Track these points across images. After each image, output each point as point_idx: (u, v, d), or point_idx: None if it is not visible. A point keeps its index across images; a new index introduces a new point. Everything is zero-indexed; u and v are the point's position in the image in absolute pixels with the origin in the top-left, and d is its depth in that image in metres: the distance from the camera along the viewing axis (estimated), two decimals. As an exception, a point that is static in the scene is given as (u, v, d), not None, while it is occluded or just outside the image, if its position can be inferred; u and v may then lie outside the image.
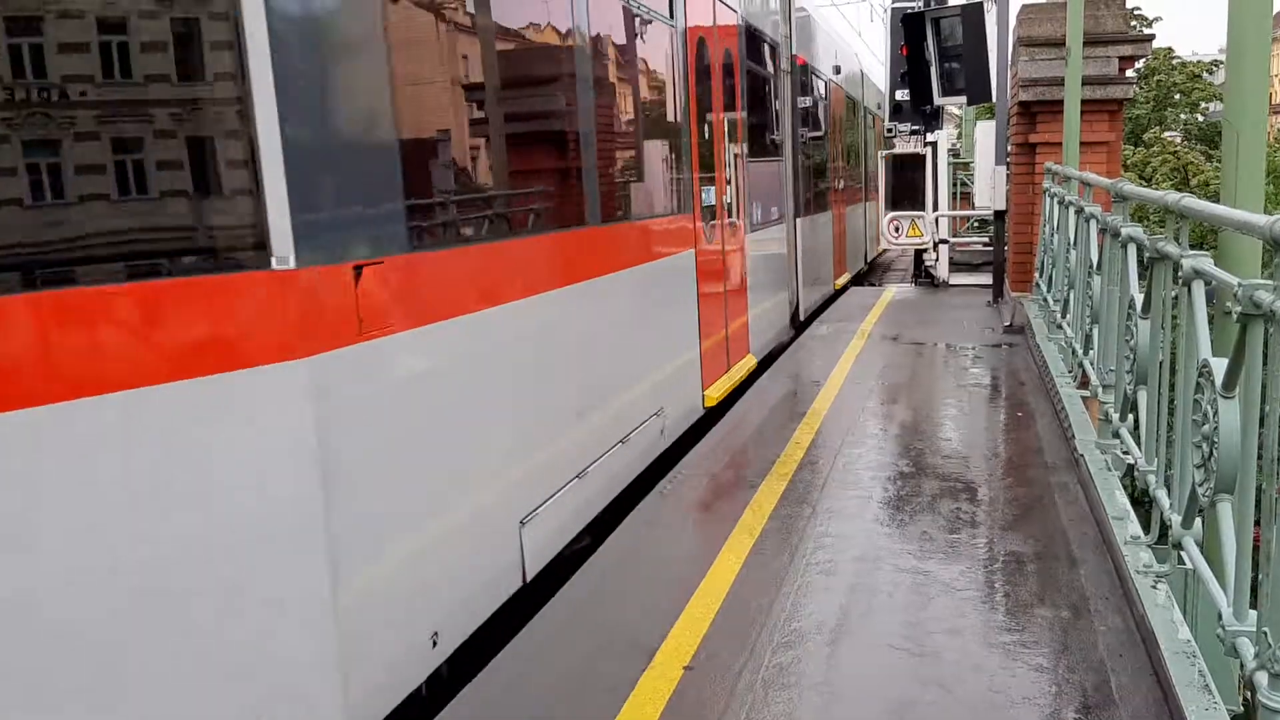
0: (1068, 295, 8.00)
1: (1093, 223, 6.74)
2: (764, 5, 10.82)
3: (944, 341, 10.80)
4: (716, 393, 7.95)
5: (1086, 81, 10.13)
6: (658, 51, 7.04)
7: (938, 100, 13.74)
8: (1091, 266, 6.56)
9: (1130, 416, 5.15)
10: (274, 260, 3.13)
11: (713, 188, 8.27)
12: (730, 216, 8.78)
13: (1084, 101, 10.03)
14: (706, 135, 8.12)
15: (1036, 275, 10.91)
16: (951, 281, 15.46)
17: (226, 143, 3.15)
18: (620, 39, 6.31)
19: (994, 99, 12.75)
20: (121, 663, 2.86)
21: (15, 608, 2.65)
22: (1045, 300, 9.67)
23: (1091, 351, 6.59)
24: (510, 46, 4.95)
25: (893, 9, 15.35)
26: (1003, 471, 6.25)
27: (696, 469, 6.44)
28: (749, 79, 9.72)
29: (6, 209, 2.77)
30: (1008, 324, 11.22)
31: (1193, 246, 4.01)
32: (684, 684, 3.74)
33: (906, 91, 14.33)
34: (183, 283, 3.05)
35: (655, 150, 7.08)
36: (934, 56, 13.27)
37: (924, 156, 14.91)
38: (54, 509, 2.74)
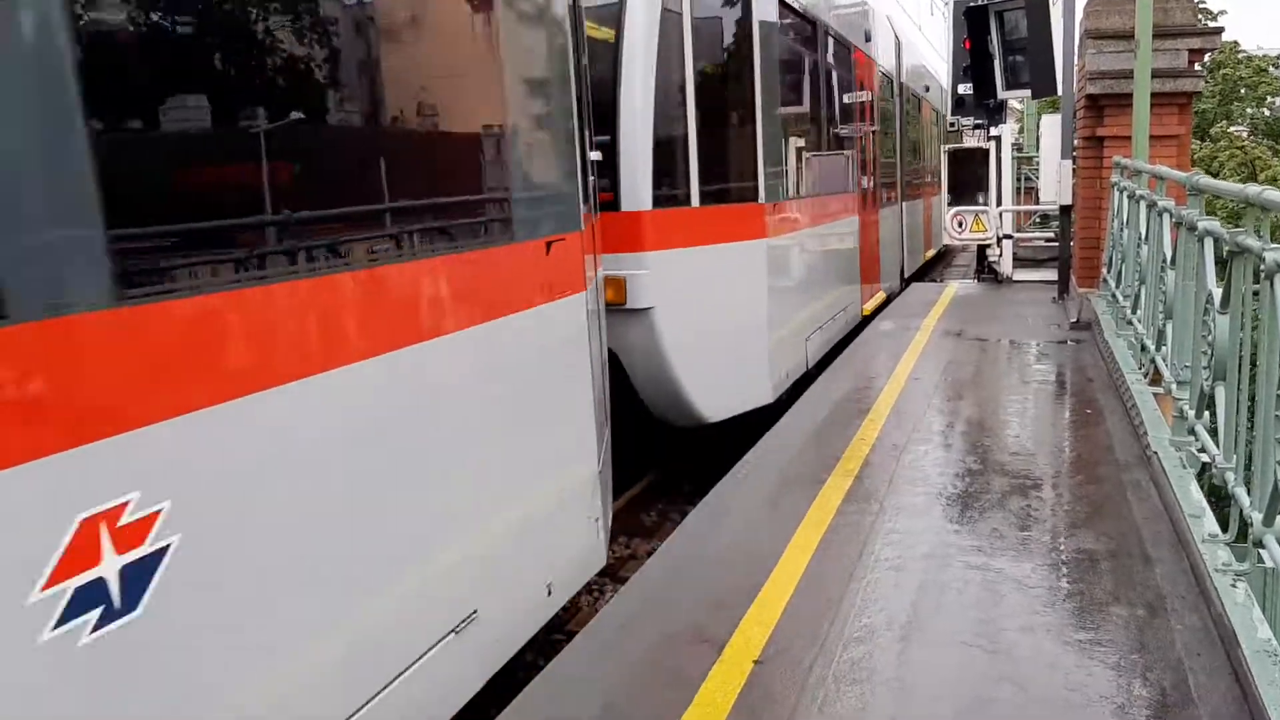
0: (1138, 290, 7.87)
1: (1165, 217, 6.63)
2: (895, 57, 15.97)
3: (1009, 337, 10.67)
4: (869, 308, 13.10)
5: (1155, 74, 9.96)
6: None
7: (1001, 94, 13.59)
8: (1165, 261, 6.45)
9: (1206, 413, 5.06)
10: (760, 200, 8.28)
11: (868, 176, 13.46)
12: (876, 195, 14.03)
13: (1153, 94, 9.86)
14: (871, 147, 13.76)
15: (1104, 270, 10.74)
16: (1015, 277, 15.25)
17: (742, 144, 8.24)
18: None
19: (1059, 92, 12.56)
20: (733, 348, 8.06)
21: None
22: (1114, 296, 9.52)
23: (1164, 347, 6.49)
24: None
25: (955, 2, 15.17)
26: (1073, 468, 6.18)
27: (761, 464, 6.43)
28: (880, 103, 14.52)
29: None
30: (1074, 320, 11.05)
31: (1273, 241, 3.95)
32: (754, 677, 3.75)
33: (969, 85, 14.18)
34: (745, 206, 8.16)
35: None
36: (998, 49, 13.12)
37: (986, 151, 14.73)
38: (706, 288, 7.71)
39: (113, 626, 2.40)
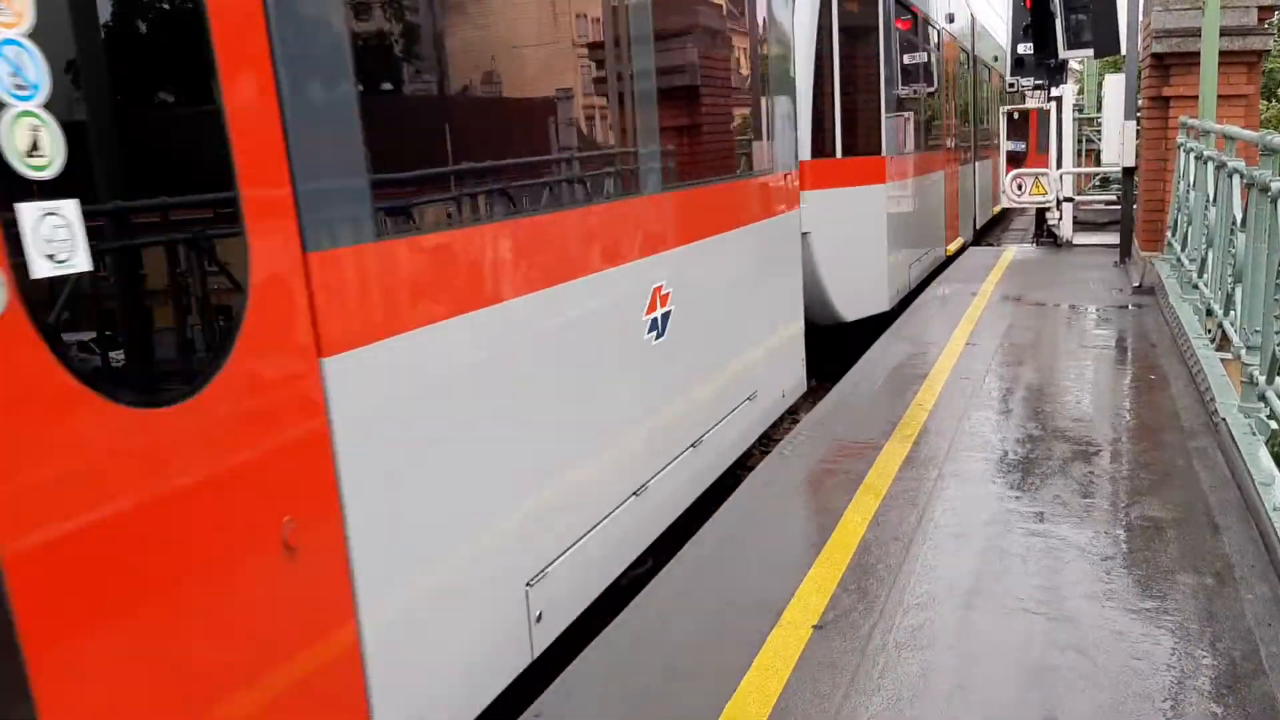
0: (1205, 254, 7.69)
1: (1236, 178, 6.45)
2: (970, 33, 17.86)
3: (1069, 302, 10.49)
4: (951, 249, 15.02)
5: (1223, 32, 9.67)
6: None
7: (1063, 53, 13.27)
8: (1235, 223, 6.28)
9: (1278, 378, 4.94)
10: (882, 152, 10.30)
11: (951, 138, 15.48)
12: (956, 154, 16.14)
13: (1221, 53, 9.57)
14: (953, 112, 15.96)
15: (1169, 234, 10.50)
16: (1075, 241, 14.97)
17: (870, 110, 10.27)
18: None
19: (1123, 51, 12.26)
20: (863, 267, 10.26)
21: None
22: (1179, 259, 9.31)
23: (1233, 312, 6.33)
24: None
25: (1016, -40, 14.84)
26: (1136, 435, 6.06)
27: (817, 430, 6.39)
28: (960, 75, 16.86)
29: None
30: (1137, 284, 10.84)
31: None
32: (814, 642, 3.73)
33: (1029, 45, 13.87)
34: (872, 159, 10.20)
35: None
36: (1059, 7, 12.81)
37: (1047, 111, 14.43)
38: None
39: (658, 340, 5.02)
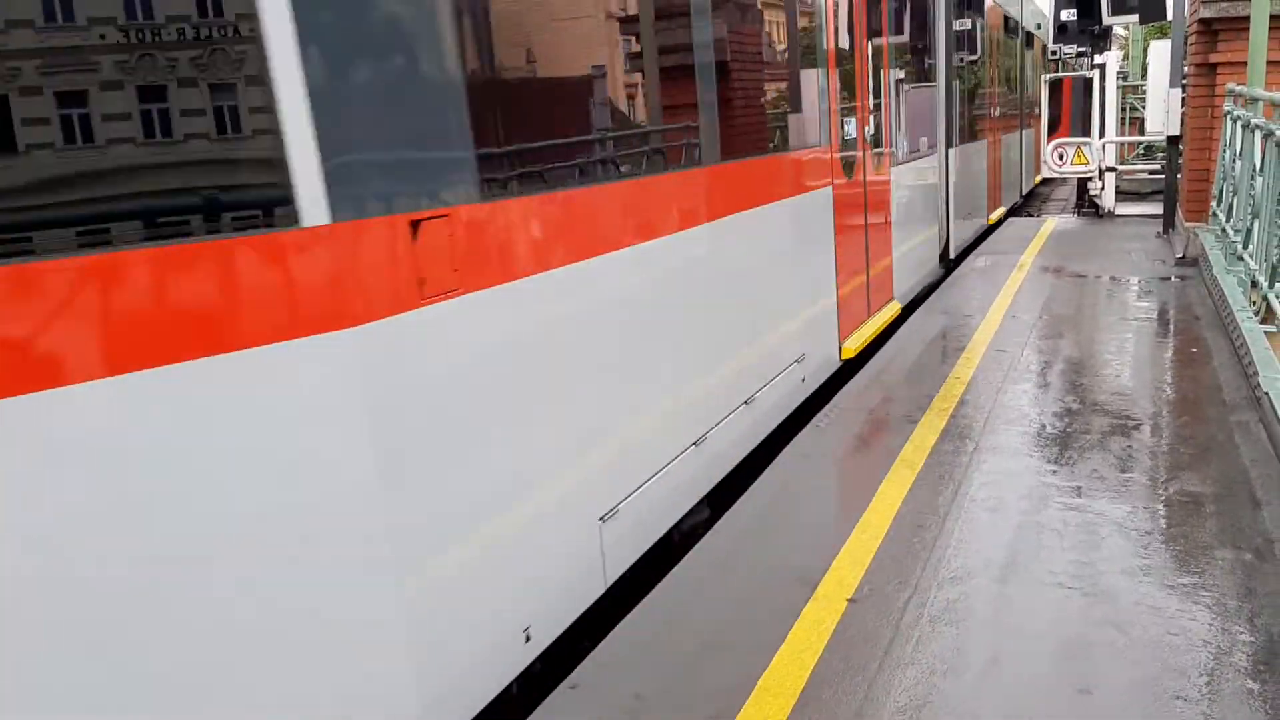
0: (1251, 225, 7.57)
1: (1283, 147, 6.34)
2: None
3: (1109, 274, 10.37)
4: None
5: (1275, -4, 9.46)
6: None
7: (1106, 20, 13.07)
8: (1281, 194, 6.19)
9: (1323, 353, 4.87)
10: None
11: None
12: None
13: (1272, 17, 9.37)
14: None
15: (1214, 204, 10.33)
16: (1117, 211, 14.77)
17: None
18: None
19: (1169, 17, 12.03)
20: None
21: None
22: (1224, 230, 9.17)
23: (1279, 284, 6.24)
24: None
25: (1059, -77, 14.58)
26: (1176, 409, 6.01)
27: (853, 404, 6.38)
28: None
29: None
30: (1180, 256, 10.69)
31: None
32: (848, 615, 3.75)
33: (1073, 11, 13.65)
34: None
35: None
36: (1104, -28, 12.60)
37: (1091, 79, 14.20)
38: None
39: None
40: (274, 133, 2.44)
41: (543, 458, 3.63)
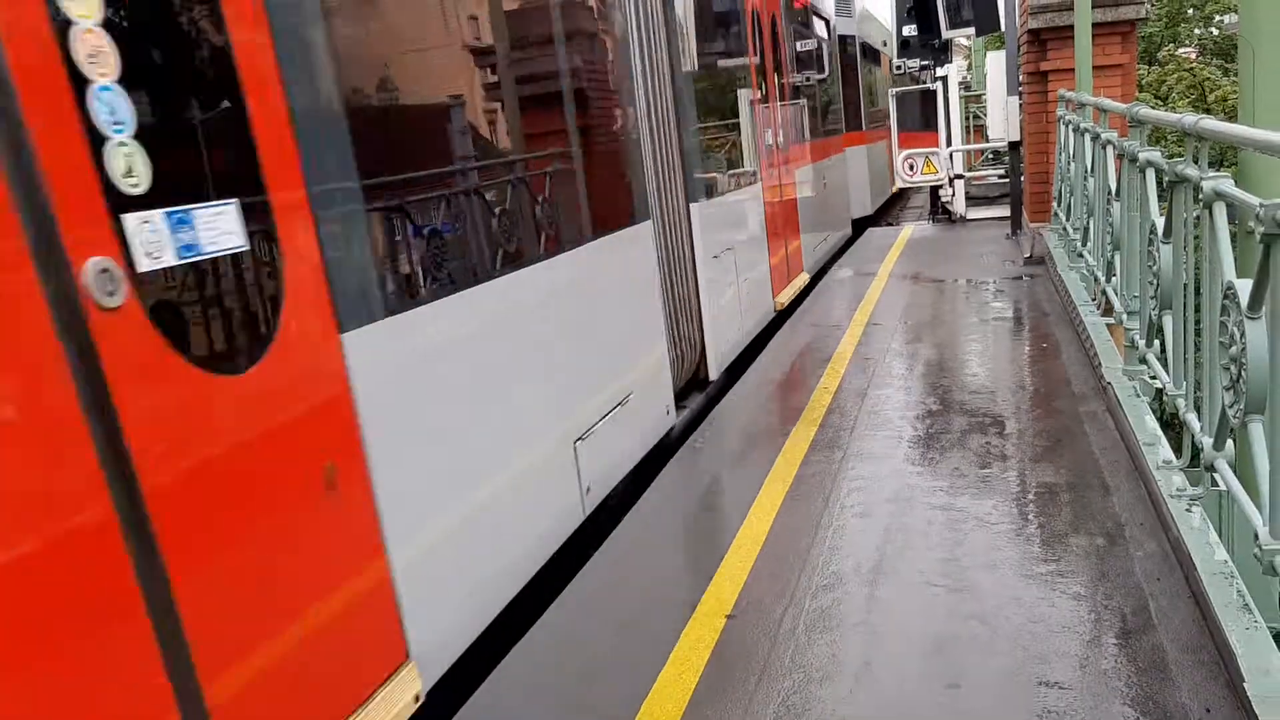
0: (1087, 223, 7.95)
1: (1109, 149, 6.69)
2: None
3: (965, 277, 10.76)
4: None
5: (1097, 4, 9.99)
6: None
7: (945, 33, 13.59)
8: (1110, 193, 6.52)
9: (1156, 341, 5.14)
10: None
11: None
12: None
13: (1095, 25, 9.90)
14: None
15: (1055, 205, 10.83)
16: (969, 216, 15.35)
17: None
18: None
19: (1003, 28, 12.58)
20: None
21: None
22: (1065, 229, 9.61)
23: (1114, 278, 6.57)
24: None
25: (895, -59, 15.13)
26: (1031, 403, 6.26)
27: (726, 422, 6.48)
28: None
29: None
30: (1028, 255, 11.16)
31: (1212, 167, 3.99)
32: (727, 632, 3.81)
33: (913, 26, 14.17)
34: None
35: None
36: (939, -12, 13.12)
37: (933, 92, 14.75)
38: None
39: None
40: None
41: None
